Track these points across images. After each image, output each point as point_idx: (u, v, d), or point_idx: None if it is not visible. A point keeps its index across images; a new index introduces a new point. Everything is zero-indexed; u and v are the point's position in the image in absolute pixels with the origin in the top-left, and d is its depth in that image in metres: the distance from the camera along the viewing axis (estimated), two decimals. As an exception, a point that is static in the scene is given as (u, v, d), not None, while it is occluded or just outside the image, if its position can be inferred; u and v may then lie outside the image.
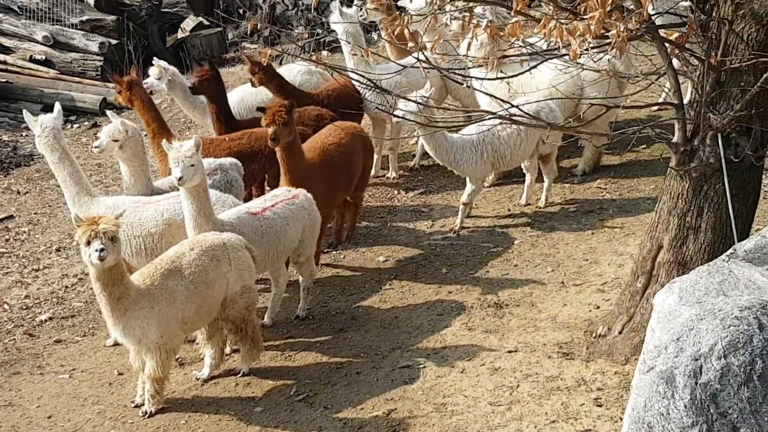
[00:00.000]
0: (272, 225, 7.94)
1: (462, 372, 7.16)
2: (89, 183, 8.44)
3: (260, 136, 9.56)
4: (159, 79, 10.75)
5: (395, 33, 6.95)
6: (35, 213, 11.57)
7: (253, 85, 10.67)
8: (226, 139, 9.57)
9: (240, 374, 7.55)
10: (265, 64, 10.08)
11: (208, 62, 10.25)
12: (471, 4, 6.61)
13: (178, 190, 7.83)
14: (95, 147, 8.62)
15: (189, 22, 18.53)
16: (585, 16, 5.43)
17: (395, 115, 8.52)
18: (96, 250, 6.34)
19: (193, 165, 7.34)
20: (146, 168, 8.71)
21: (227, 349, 7.79)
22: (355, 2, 14.07)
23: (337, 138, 9.36)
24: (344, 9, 11.22)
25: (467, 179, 9.72)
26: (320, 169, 8.85)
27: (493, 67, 6.38)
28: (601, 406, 6.42)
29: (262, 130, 9.47)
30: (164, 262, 6.98)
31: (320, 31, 12.83)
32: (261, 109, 8.50)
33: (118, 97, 9.88)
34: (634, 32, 5.81)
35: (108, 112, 9.09)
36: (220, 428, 6.93)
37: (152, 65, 10.95)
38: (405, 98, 7.50)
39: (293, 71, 11.48)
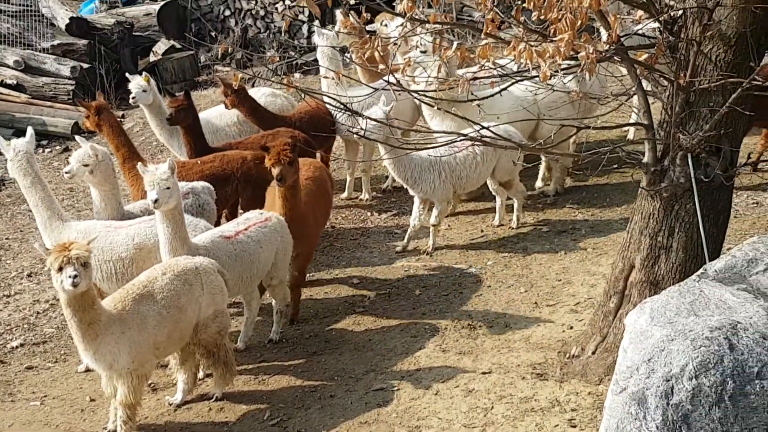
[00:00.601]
0: (246, 248, 7.91)
1: (436, 394, 7.15)
2: (61, 208, 8.38)
3: (232, 159, 9.55)
4: (145, 91, 10.67)
5: (366, 56, 6.94)
6: (6, 238, 11.48)
7: (226, 106, 10.66)
8: (198, 162, 9.53)
9: (213, 399, 7.50)
10: (236, 87, 10.10)
11: (184, 91, 10.15)
12: (441, 28, 6.63)
13: (149, 214, 7.80)
14: (66, 172, 8.60)
15: (161, 46, 18.49)
16: (554, 38, 5.46)
17: (360, 135, 8.44)
18: (69, 277, 6.28)
19: (168, 188, 7.31)
20: (117, 192, 8.69)
21: (200, 374, 7.74)
22: (329, 26, 14.10)
23: (312, 173, 9.30)
24: (323, 30, 11.25)
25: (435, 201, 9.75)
26: (308, 204, 8.82)
27: (464, 89, 6.38)
28: (575, 426, 6.41)
29: (233, 152, 9.44)
30: (136, 287, 6.93)
31: (292, 53, 12.86)
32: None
33: (85, 122, 9.77)
34: (603, 54, 5.85)
35: (77, 138, 9.05)
36: (193, 454, 6.88)
37: (138, 75, 10.93)
38: (367, 117, 7.48)
39: (257, 94, 11.44)
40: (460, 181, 9.74)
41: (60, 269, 6.33)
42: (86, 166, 8.37)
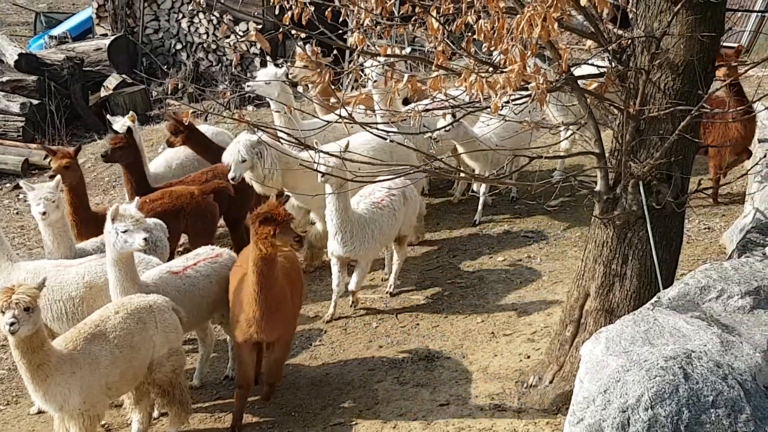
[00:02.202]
0: (195, 283, 7.83)
1: (394, 428, 7.10)
2: (10, 247, 8.25)
3: (180, 194, 9.47)
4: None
5: (318, 90, 6.99)
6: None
7: (171, 145, 10.54)
8: (147, 200, 9.39)
9: (168, 438, 7.39)
10: (186, 123, 10.03)
11: (127, 128, 9.94)
12: (392, 60, 6.64)
13: (102, 251, 7.70)
14: (42, 214, 8.15)
15: (112, 81, 18.38)
16: (505, 69, 5.48)
17: (319, 171, 8.37)
18: (6, 323, 6.17)
19: (54, 201, 7.66)
20: (68, 230, 8.55)
21: (155, 413, 7.62)
22: (280, 60, 14.09)
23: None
24: (272, 68, 11.21)
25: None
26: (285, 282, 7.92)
27: (416, 121, 6.38)
28: (534, 457, 6.41)
29: (181, 188, 9.35)
30: (88, 326, 6.81)
31: (244, 87, 12.82)
32: (269, 220, 7.01)
33: (57, 162, 9.16)
34: (553, 84, 5.89)
35: (22, 183, 8.76)
36: (149, 495, 6.76)
37: (119, 118, 10.68)
38: (321, 151, 7.47)
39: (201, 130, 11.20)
40: (383, 237, 9.24)
41: (2, 312, 6.21)
42: (53, 202, 8.19)
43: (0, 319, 6.25)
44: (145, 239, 7.17)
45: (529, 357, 7.84)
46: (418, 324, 8.79)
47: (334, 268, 9.12)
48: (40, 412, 7.81)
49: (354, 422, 7.29)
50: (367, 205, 9.04)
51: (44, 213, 8.11)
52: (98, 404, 6.78)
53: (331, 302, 9.19)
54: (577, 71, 6.68)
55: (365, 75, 8.95)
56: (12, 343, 6.35)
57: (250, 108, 14.95)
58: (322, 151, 7.40)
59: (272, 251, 6.98)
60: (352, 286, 9.19)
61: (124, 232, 7.15)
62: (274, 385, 7.75)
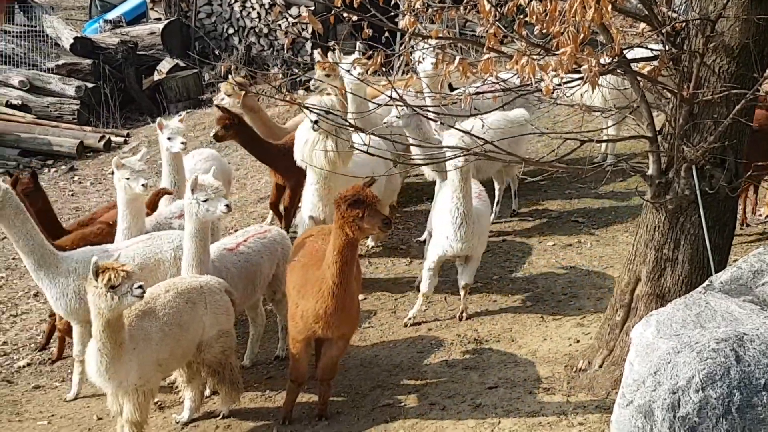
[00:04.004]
0: (248, 259, 7.94)
1: (443, 409, 7.12)
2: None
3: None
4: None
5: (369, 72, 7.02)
6: (13, 258, 11.47)
7: (219, 139, 10.45)
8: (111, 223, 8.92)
9: (220, 416, 7.49)
10: (237, 116, 9.98)
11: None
12: (444, 42, 6.64)
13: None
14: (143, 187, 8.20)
15: (165, 64, 18.59)
16: (557, 52, 5.46)
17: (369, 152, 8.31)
18: (137, 287, 6.31)
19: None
20: (144, 210, 8.59)
21: (207, 391, 7.73)
22: (331, 42, 14.09)
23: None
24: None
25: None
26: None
27: (467, 104, 6.38)
28: (582, 440, 6.40)
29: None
30: (138, 304, 6.91)
31: (296, 70, 12.88)
32: (358, 202, 6.62)
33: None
34: (606, 67, 5.86)
35: (115, 159, 8.43)
36: (200, 472, 6.87)
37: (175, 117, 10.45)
38: (371, 133, 7.46)
39: (195, 158, 10.52)
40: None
41: (113, 287, 6.32)
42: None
43: (119, 290, 6.33)
44: (227, 206, 7.33)
45: (578, 341, 7.82)
46: (467, 307, 8.79)
47: (430, 272, 8.62)
48: (76, 397, 8.05)
49: (402, 403, 7.33)
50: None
51: (144, 185, 8.18)
52: (152, 380, 6.90)
53: (415, 305, 8.81)
54: (630, 54, 6.62)
55: (416, 59, 8.93)
56: (102, 322, 6.43)
57: (300, 92, 15.00)
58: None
59: (359, 236, 6.72)
60: (467, 280, 8.65)
61: (205, 201, 7.29)
62: (329, 383, 7.32)
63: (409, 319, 8.72)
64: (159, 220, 8.75)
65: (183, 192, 8.97)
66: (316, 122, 8.44)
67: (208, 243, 7.54)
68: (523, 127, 9.88)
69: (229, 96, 10.95)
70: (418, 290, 8.86)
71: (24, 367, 8.80)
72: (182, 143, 9.02)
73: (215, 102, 10.92)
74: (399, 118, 9.20)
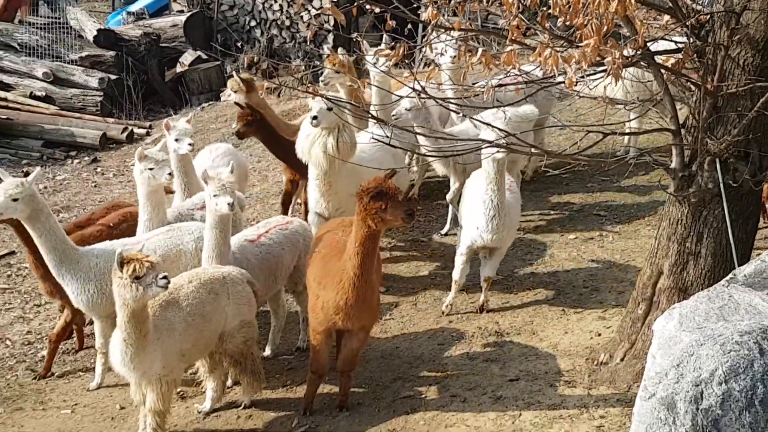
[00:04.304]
0: (269, 250, 7.97)
1: (464, 401, 7.13)
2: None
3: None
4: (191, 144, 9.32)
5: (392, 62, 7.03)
6: (36, 248, 11.56)
7: (241, 136, 10.32)
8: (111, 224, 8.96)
9: (242, 407, 7.52)
10: (258, 112, 9.93)
11: (24, 173, 9.19)
12: (467, 35, 6.63)
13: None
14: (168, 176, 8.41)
15: (187, 57, 18.64)
16: (580, 44, 5.45)
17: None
18: (161, 278, 6.36)
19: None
20: (164, 201, 8.69)
21: (229, 382, 7.77)
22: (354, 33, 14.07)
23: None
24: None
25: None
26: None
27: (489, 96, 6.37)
28: (604, 433, 6.39)
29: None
30: (162, 294, 6.95)
31: (317, 63, 12.88)
32: (381, 194, 6.59)
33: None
34: (629, 59, 5.84)
35: (139, 150, 8.53)
36: (222, 462, 6.91)
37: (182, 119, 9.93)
38: (394, 125, 7.45)
39: (212, 153, 10.46)
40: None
41: (137, 278, 6.36)
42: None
43: (144, 281, 6.37)
44: (230, 204, 7.30)
45: (599, 335, 7.81)
46: (488, 300, 8.78)
47: (462, 258, 8.60)
48: (99, 387, 8.10)
49: (423, 395, 7.34)
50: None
51: (171, 174, 8.34)
52: (175, 370, 6.94)
53: (450, 293, 8.78)
54: (654, 47, 6.60)
55: (439, 50, 8.91)
56: (127, 313, 6.47)
57: (322, 84, 15.01)
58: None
59: (381, 227, 6.69)
60: (490, 273, 8.65)
61: (215, 196, 7.35)
62: (350, 375, 7.35)
63: (446, 307, 8.72)
64: (181, 211, 8.79)
65: (192, 193, 9.05)
66: (315, 117, 8.46)
67: (228, 235, 7.56)
68: (531, 124, 9.89)
69: (235, 92, 10.92)
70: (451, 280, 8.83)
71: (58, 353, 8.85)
72: (189, 144, 9.00)
73: (223, 99, 10.86)
74: (408, 110, 9.22)
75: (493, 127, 7.16)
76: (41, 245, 7.63)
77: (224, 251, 7.50)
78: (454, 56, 9.22)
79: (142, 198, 8.37)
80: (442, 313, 8.70)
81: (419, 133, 9.10)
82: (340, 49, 10.46)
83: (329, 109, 8.43)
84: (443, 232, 10.39)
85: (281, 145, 10.12)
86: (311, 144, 8.77)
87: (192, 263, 7.92)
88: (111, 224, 8.70)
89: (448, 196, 10.31)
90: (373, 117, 6.99)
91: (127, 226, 8.69)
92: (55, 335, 8.52)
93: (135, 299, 6.38)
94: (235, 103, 10.86)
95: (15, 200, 7.46)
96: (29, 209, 7.50)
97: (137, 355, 6.60)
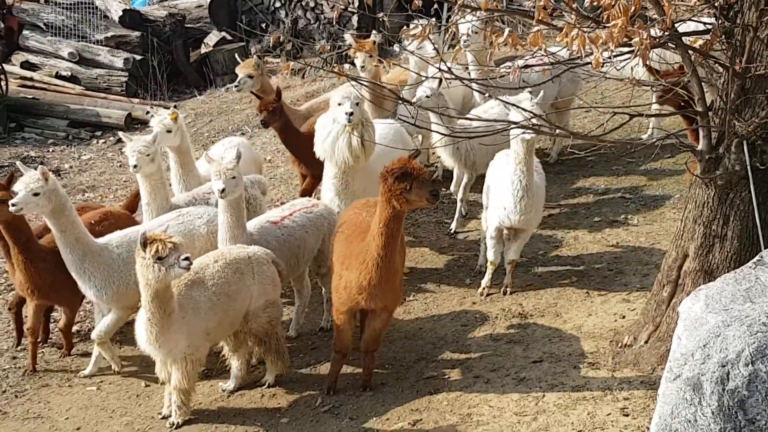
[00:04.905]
0: (292, 233, 7.98)
1: (487, 382, 7.14)
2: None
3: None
4: (170, 131, 9.05)
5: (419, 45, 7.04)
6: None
7: (267, 125, 10.04)
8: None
9: (266, 385, 7.57)
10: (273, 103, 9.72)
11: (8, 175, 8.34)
12: (493, 14, 6.61)
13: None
14: (133, 167, 8.25)
15: (212, 37, 18.65)
16: (607, 25, 5.42)
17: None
18: (183, 259, 6.40)
19: (234, 177, 7.38)
20: (165, 184, 8.66)
21: (253, 361, 7.81)
22: (380, 14, 14.06)
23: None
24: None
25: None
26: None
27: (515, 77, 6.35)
28: (627, 415, 6.37)
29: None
30: (187, 273, 7.00)
31: (342, 44, 12.83)
32: (405, 174, 6.56)
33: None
34: (657, 40, 5.80)
35: (121, 135, 8.68)
36: (247, 439, 6.95)
37: (162, 110, 9.83)
38: (420, 106, 7.43)
39: (225, 145, 10.17)
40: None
41: (161, 258, 6.41)
42: (147, 155, 8.21)
43: (166, 261, 6.42)
44: (222, 189, 7.29)
45: (624, 317, 7.79)
46: (512, 282, 8.77)
47: (493, 240, 8.55)
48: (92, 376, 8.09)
49: (447, 376, 7.36)
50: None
51: (135, 166, 8.18)
52: (200, 348, 7.01)
53: (485, 274, 8.75)
54: (682, 28, 6.55)
55: (465, 31, 8.89)
56: (151, 293, 6.54)
57: (347, 66, 15.01)
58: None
59: (406, 208, 6.67)
60: (514, 256, 8.64)
61: (215, 179, 7.41)
62: (373, 355, 7.37)
63: (484, 288, 8.71)
64: (196, 195, 8.81)
65: (190, 187, 8.97)
66: (351, 113, 8.29)
67: (241, 217, 7.59)
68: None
69: (250, 78, 10.76)
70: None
71: (73, 333, 8.92)
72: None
73: (235, 89, 10.66)
74: (428, 97, 9.12)
75: (520, 108, 7.14)
76: (63, 240, 7.53)
77: (237, 234, 7.52)
78: (474, 33, 9.16)
79: (140, 180, 8.42)
80: (480, 294, 8.68)
81: (436, 123, 9.01)
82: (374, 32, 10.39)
83: (357, 104, 8.39)
84: (452, 230, 10.22)
85: (296, 136, 9.89)
86: (334, 140, 8.53)
87: (205, 247, 7.96)
88: (93, 221, 8.37)
89: (459, 194, 10.20)
90: (400, 98, 6.98)
91: (108, 225, 8.43)
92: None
93: (157, 279, 6.43)
94: (253, 93, 10.76)
95: (36, 195, 7.37)
96: (51, 204, 7.42)
97: (162, 334, 6.65)
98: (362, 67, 10.03)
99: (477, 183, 9.89)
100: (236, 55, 11.89)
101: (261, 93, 10.56)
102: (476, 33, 9.26)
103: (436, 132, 8.41)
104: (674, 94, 6.94)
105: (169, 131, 8.93)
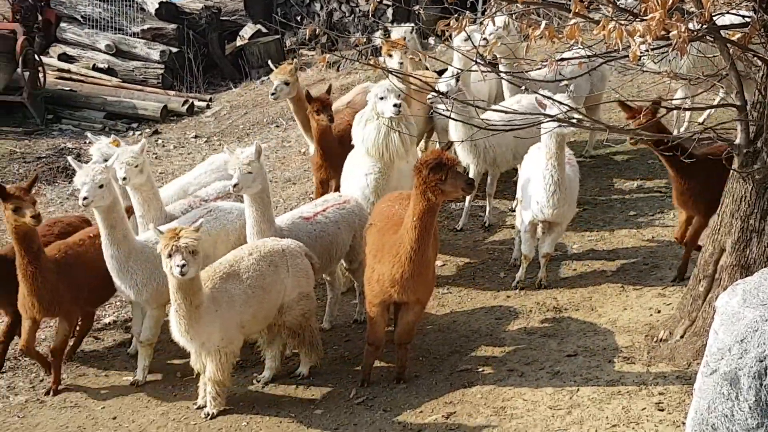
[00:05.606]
0: (324, 229, 8.00)
1: (521, 376, 7.14)
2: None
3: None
4: (137, 167, 8.04)
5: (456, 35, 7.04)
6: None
7: (332, 120, 9.55)
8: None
9: (300, 377, 7.61)
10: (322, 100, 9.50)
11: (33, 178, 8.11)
12: (530, 8, 6.58)
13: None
14: (122, 179, 7.83)
15: (247, 30, 18.73)
16: (645, 17, 5.38)
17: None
18: (177, 266, 6.42)
19: (250, 172, 7.38)
20: (157, 194, 8.37)
21: (287, 352, 7.85)
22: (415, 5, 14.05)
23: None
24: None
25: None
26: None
27: (552, 69, 6.33)
28: (662, 410, 6.34)
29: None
30: (222, 266, 7.05)
31: (376, 37, 12.85)
32: (440, 165, 6.61)
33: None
34: (695, 33, 5.76)
35: (69, 159, 7.96)
36: (281, 430, 6.97)
37: (102, 138, 9.40)
38: (455, 98, 7.39)
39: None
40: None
41: (169, 256, 6.47)
42: (136, 166, 7.86)
43: (166, 262, 6.52)
44: (235, 184, 7.31)
45: (659, 311, 7.75)
46: (546, 275, 8.75)
47: (527, 234, 8.58)
48: (133, 383, 7.92)
49: (480, 369, 7.36)
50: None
51: (124, 178, 7.80)
52: (234, 341, 7.05)
53: (520, 268, 8.78)
54: (720, 21, 6.49)
55: (497, 24, 8.84)
56: (174, 285, 6.60)
57: (381, 59, 15.02)
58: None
59: (441, 199, 6.70)
60: (548, 249, 8.62)
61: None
62: (406, 347, 7.36)
63: (518, 282, 8.72)
64: (191, 203, 8.67)
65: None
66: (398, 105, 8.25)
67: (267, 212, 7.59)
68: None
69: (287, 84, 10.07)
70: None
71: (110, 324, 9.01)
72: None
73: (272, 97, 10.29)
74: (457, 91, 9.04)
75: (555, 101, 7.11)
76: (111, 237, 7.40)
77: (264, 228, 7.55)
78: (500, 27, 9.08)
79: (131, 193, 8.12)
80: (515, 288, 8.68)
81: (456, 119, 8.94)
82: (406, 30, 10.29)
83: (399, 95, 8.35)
84: (458, 227, 10.16)
85: (332, 138, 9.67)
86: (386, 134, 8.47)
87: (238, 241, 7.96)
88: (91, 235, 8.06)
89: (487, 189, 10.08)
90: (434, 90, 6.97)
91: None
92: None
93: (170, 275, 6.57)
94: (307, 95, 9.78)
95: (101, 187, 7.31)
96: (112, 197, 7.37)
97: (191, 326, 6.70)
98: (400, 63, 9.95)
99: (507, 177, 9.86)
100: (269, 62, 11.54)
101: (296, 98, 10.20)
102: (503, 28, 9.18)
103: (465, 122, 8.33)
104: (648, 128, 6.92)
105: (136, 166, 7.97)
